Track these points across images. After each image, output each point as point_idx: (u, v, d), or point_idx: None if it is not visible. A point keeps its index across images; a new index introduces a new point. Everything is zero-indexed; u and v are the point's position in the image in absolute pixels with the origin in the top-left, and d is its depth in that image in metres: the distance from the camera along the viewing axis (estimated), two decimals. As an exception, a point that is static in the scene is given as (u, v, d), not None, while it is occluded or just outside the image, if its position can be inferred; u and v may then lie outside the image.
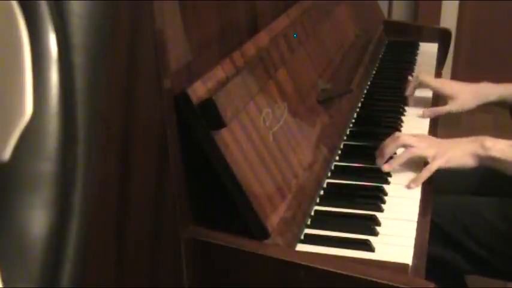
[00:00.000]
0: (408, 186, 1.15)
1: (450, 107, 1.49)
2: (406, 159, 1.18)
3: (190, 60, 0.87)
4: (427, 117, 1.48)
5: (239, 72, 0.94)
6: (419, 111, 1.49)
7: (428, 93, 1.58)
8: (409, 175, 1.18)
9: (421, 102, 1.54)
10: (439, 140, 1.23)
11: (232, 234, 0.86)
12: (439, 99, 1.57)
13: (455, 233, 1.27)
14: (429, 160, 1.17)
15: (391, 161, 1.19)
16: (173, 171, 0.80)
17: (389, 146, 1.19)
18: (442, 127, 1.54)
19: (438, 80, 1.58)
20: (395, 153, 1.20)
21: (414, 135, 1.22)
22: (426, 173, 1.16)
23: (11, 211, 0.38)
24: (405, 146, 1.19)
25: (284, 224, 0.94)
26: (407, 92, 1.54)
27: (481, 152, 1.14)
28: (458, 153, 1.16)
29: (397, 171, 1.19)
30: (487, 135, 1.18)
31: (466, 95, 1.48)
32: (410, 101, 1.54)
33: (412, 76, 1.57)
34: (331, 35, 1.52)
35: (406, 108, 1.52)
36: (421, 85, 1.54)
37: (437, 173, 1.25)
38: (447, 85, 1.53)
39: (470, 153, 1.15)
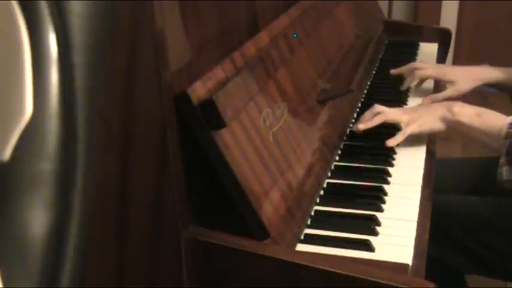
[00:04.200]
0: (386, 144, 1.24)
1: (448, 92, 1.50)
2: (380, 122, 1.26)
3: (190, 60, 0.87)
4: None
5: (239, 72, 0.94)
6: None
7: (429, 85, 1.60)
8: (410, 176, 1.18)
9: (421, 95, 1.55)
10: (413, 107, 1.33)
11: (232, 234, 0.86)
12: (439, 89, 1.58)
13: (455, 233, 1.27)
14: (402, 126, 1.25)
15: (366, 122, 1.27)
16: (173, 171, 0.80)
17: (366, 114, 1.28)
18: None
19: (434, 67, 1.59)
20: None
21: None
22: (400, 136, 1.24)
23: (11, 211, 0.38)
24: (380, 112, 1.27)
25: (284, 224, 0.94)
26: (403, 87, 1.56)
27: (449, 116, 1.21)
28: (429, 118, 1.23)
29: (397, 171, 1.19)
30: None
31: (464, 78, 1.50)
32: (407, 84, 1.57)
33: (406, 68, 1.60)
34: (331, 35, 1.52)
35: (406, 107, 1.52)
36: (420, 78, 1.56)
37: (437, 173, 1.25)
38: (443, 71, 1.54)
39: (440, 118, 1.22)
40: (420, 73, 1.53)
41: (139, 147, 0.73)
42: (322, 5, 1.51)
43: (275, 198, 0.94)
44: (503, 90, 1.57)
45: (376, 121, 1.26)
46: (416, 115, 1.24)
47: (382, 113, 1.25)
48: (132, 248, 0.74)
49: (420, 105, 1.39)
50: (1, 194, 0.38)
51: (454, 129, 1.22)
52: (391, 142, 1.23)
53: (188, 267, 0.85)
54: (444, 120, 1.21)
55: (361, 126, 1.26)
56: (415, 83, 1.56)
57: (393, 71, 1.59)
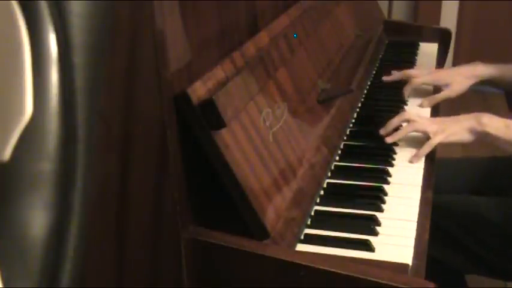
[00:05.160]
0: (411, 161, 1.22)
1: (446, 93, 1.51)
2: (408, 133, 1.25)
3: (190, 60, 0.87)
4: (427, 107, 1.50)
5: (239, 72, 0.94)
6: (420, 108, 1.50)
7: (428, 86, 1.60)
8: (410, 176, 1.18)
9: (421, 95, 1.55)
10: (441, 118, 1.31)
11: (232, 234, 0.86)
12: (439, 89, 1.58)
13: (455, 233, 1.27)
14: (431, 135, 1.23)
15: (394, 133, 1.25)
16: (173, 171, 0.80)
17: (394, 120, 1.27)
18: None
19: (428, 74, 1.59)
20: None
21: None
22: (427, 147, 1.22)
23: (11, 211, 0.38)
24: (409, 121, 1.25)
25: (284, 224, 0.94)
26: (405, 97, 1.55)
27: (477, 127, 1.20)
28: (457, 129, 1.23)
29: (397, 171, 1.19)
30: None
31: (458, 78, 1.51)
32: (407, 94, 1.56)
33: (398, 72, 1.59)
34: (331, 35, 1.52)
35: (406, 108, 1.52)
36: (416, 85, 1.55)
37: (437, 173, 1.25)
38: (438, 76, 1.55)
39: (468, 129, 1.22)
40: (416, 81, 1.53)
41: (139, 147, 0.73)
42: (322, 5, 1.51)
43: (275, 198, 0.94)
44: (497, 87, 1.57)
45: (403, 133, 1.25)
46: (445, 126, 1.24)
47: (410, 123, 1.25)
48: (132, 248, 0.74)
49: (437, 116, 1.39)
50: (1, 194, 0.38)
51: (482, 141, 1.22)
52: (420, 153, 1.22)
53: (188, 267, 0.85)
54: (473, 131, 1.21)
55: (390, 139, 1.25)
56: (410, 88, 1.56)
57: (385, 78, 1.59)
